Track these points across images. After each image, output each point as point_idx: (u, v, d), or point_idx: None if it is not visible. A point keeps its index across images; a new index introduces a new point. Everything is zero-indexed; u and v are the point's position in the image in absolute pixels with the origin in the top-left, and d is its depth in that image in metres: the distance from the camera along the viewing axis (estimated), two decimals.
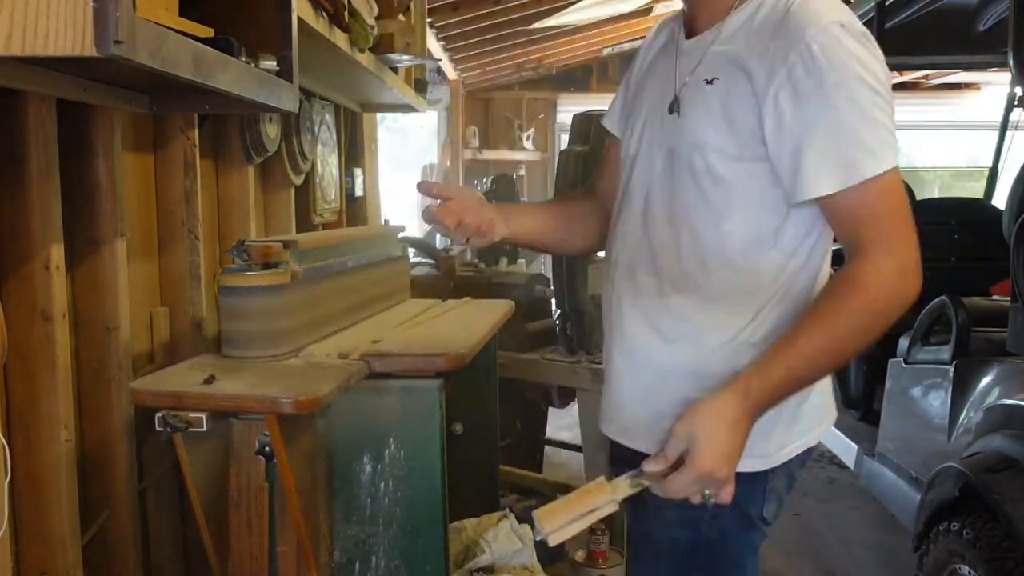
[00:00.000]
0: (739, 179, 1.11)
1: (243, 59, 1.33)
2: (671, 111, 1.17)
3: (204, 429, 1.32)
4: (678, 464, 1.03)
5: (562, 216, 1.43)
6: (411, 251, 3.03)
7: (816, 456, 4.14)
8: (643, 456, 1.09)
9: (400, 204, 8.68)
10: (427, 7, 3.20)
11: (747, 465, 1.09)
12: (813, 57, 1.04)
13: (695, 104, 1.13)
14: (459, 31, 5.90)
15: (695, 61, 1.15)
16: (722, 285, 1.14)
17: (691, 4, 1.20)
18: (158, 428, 1.32)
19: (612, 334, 1.26)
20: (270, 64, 1.44)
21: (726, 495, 1.04)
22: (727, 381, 1.06)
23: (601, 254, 1.38)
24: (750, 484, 1.14)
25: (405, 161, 9.80)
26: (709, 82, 1.12)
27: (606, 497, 1.06)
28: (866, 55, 1.06)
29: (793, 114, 1.05)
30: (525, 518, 2.53)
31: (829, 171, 1.04)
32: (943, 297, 2.41)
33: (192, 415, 1.31)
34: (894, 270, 1.03)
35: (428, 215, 1.24)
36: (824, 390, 1.24)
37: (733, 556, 1.20)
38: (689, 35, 1.21)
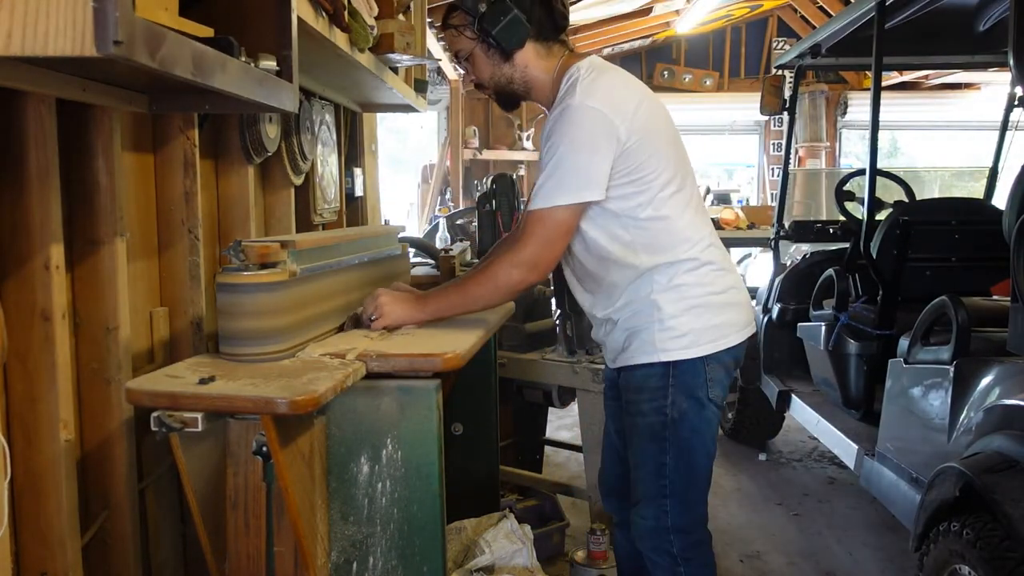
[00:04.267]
0: None
1: (243, 59, 1.33)
2: None
3: (200, 429, 1.32)
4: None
5: None
6: (411, 251, 3.03)
7: (816, 456, 4.14)
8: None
9: (400, 204, 8.69)
10: (427, 7, 3.20)
11: (680, 354, 1.74)
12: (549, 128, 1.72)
13: None
14: None
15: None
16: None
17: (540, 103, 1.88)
18: (153, 428, 1.32)
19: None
20: (270, 64, 1.44)
21: (378, 324, 1.77)
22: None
23: None
24: (692, 373, 1.75)
25: (405, 161, 9.79)
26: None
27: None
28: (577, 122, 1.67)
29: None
30: (525, 518, 2.53)
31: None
32: (943, 297, 2.40)
33: (188, 415, 1.31)
34: (509, 261, 1.72)
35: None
36: (738, 306, 1.83)
37: (693, 428, 1.77)
38: None
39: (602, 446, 2.14)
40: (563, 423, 4.26)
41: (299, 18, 1.56)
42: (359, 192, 3.09)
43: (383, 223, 3.45)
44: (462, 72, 1.91)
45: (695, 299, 1.76)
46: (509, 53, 1.78)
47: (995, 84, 7.97)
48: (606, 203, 1.72)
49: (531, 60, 1.80)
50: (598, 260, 1.80)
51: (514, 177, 3.22)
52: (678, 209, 1.76)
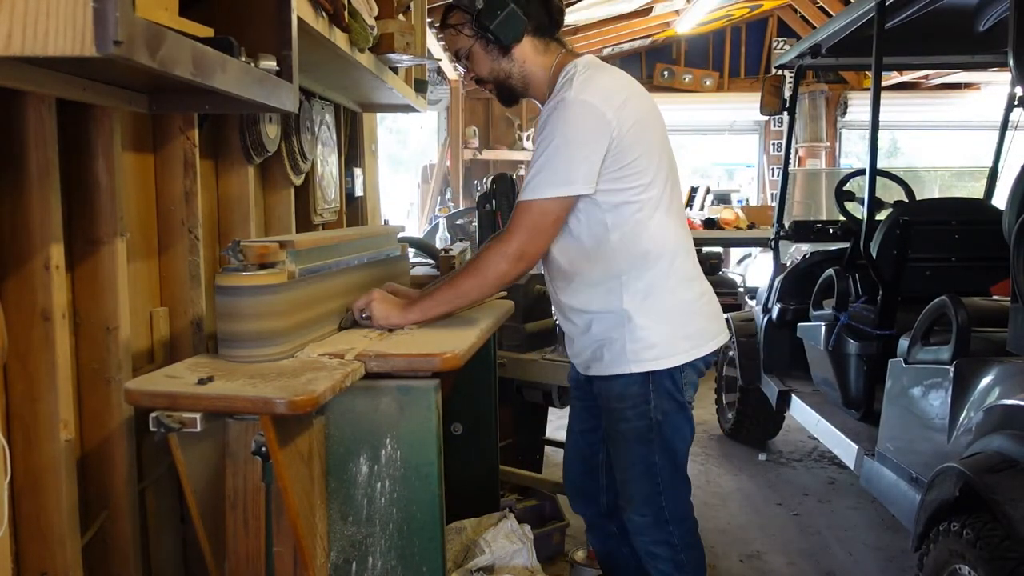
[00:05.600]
0: None
1: (243, 59, 1.33)
2: None
3: (199, 429, 1.32)
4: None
5: None
6: (411, 251, 3.03)
7: (816, 456, 4.14)
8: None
9: (400, 204, 8.69)
10: (427, 7, 3.20)
11: (652, 365, 1.79)
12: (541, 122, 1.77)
13: None
14: None
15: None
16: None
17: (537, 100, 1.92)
18: (152, 428, 1.32)
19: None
20: (270, 64, 1.44)
21: (375, 323, 1.79)
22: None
23: None
24: (669, 379, 1.81)
25: (405, 161, 9.81)
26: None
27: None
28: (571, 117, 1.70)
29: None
30: (525, 518, 2.53)
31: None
32: (943, 297, 2.40)
33: (186, 415, 1.31)
34: (497, 252, 1.74)
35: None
36: (710, 316, 1.88)
37: (675, 429, 1.85)
38: None
39: (565, 447, 2.18)
40: (563, 423, 4.26)
41: (299, 18, 1.56)
42: (359, 192, 3.09)
43: (383, 223, 3.45)
44: (462, 71, 1.98)
45: (666, 309, 1.81)
46: (507, 47, 1.82)
47: (995, 84, 7.97)
48: (593, 196, 1.74)
49: (529, 55, 1.85)
50: (575, 255, 1.82)
51: (514, 177, 3.22)
52: (661, 211, 1.80)
